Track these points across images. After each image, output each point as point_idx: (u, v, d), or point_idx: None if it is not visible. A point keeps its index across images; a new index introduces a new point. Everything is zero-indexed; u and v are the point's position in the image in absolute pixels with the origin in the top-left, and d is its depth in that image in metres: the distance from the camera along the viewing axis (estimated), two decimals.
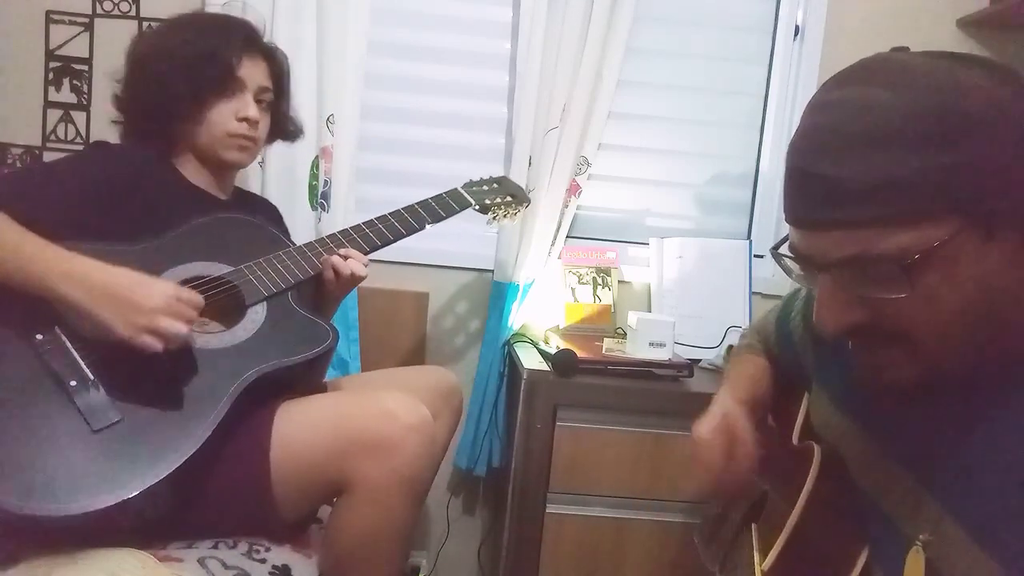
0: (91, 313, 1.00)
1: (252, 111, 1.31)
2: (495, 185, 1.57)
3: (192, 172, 1.34)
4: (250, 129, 1.32)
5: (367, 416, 1.11)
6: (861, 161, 0.61)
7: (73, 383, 1.02)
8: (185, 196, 1.31)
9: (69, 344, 1.05)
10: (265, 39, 1.39)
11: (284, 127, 1.46)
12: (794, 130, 0.69)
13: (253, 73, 1.32)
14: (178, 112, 1.28)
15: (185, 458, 1.00)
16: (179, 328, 1.02)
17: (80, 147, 1.79)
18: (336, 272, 1.30)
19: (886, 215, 0.61)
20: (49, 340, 1.05)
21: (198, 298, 1.08)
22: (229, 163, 1.34)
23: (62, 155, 1.43)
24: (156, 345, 1.00)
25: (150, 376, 1.05)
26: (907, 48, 0.67)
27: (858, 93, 0.63)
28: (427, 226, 1.41)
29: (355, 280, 1.32)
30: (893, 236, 0.61)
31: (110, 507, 0.94)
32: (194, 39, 1.27)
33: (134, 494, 0.96)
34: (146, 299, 1.01)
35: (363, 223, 1.38)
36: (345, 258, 1.31)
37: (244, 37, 1.32)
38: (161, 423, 1.03)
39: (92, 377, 1.03)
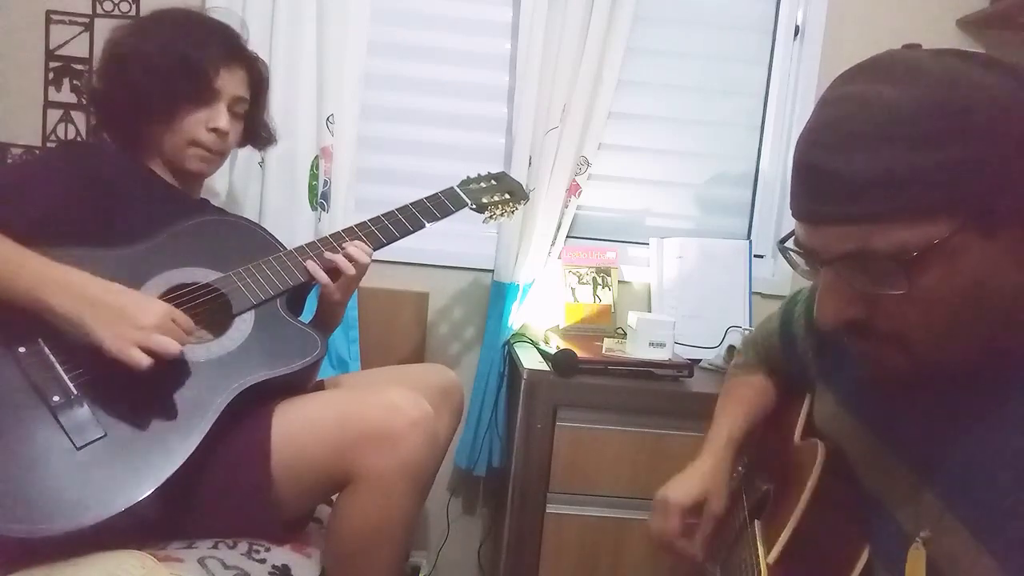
0: (83, 326, 0.99)
1: (223, 122, 1.30)
2: (492, 182, 1.55)
3: (162, 171, 1.33)
4: (218, 140, 1.31)
5: (372, 410, 1.11)
6: (864, 156, 0.61)
7: (56, 399, 1.00)
8: (161, 193, 1.30)
9: (53, 358, 1.03)
10: (247, 43, 1.37)
11: (257, 134, 1.46)
12: (794, 130, 0.70)
13: (229, 83, 1.30)
14: (149, 115, 1.28)
15: (170, 473, 0.99)
16: (173, 347, 1.01)
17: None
18: (337, 269, 1.28)
19: (887, 211, 0.61)
20: (32, 353, 1.03)
21: (191, 323, 1.08)
22: (191, 172, 1.34)
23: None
24: (145, 361, 0.98)
25: (135, 389, 1.03)
26: (919, 45, 0.67)
27: (864, 89, 0.63)
28: (422, 227, 1.39)
29: (359, 270, 1.29)
30: (893, 232, 0.61)
31: (96, 525, 0.93)
32: (173, 44, 1.25)
33: (117, 512, 0.94)
34: (142, 315, 1.00)
35: (356, 225, 1.35)
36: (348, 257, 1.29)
37: (224, 46, 1.30)
38: (146, 438, 1.01)
39: (76, 393, 1.01)
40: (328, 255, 1.29)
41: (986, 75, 0.61)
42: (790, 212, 0.71)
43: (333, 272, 1.29)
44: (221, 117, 1.30)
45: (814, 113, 0.67)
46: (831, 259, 0.66)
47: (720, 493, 1.00)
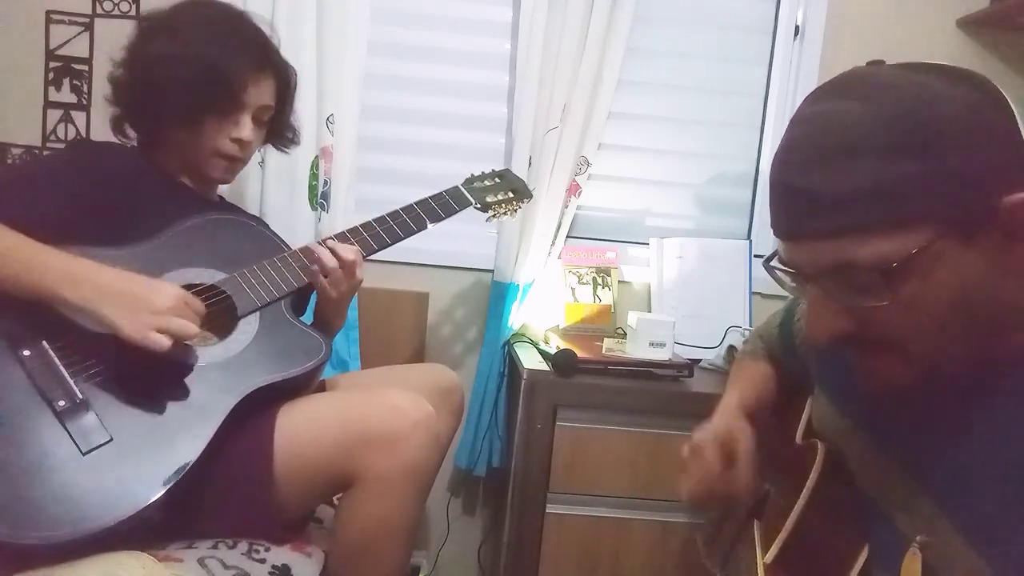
0: (99, 315, 0.99)
1: (246, 133, 1.27)
2: (497, 180, 1.54)
3: (178, 172, 1.31)
4: (241, 150, 1.29)
5: (374, 411, 1.12)
6: (836, 172, 0.62)
7: (62, 403, 0.99)
8: (173, 193, 1.29)
9: (57, 360, 1.02)
10: (278, 49, 1.33)
11: (282, 136, 1.43)
12: None
13: (257, 94, 1.27)
14: (172, 121, 1.25)
15: (177, 479, 0.99)
16: (191, 329, 1.02)
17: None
18: (324, 270, 1.25)
19: (863, 224, 0.62)
20: (36, 356, 1.02)
21: (202, 306, 1.08)
22: (212, 180, 1.33)
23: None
24: (166, 343, 0.99)
25: (141, 393, 1.03)
26: (882, 62, 0.69)
27: (832, 107, 0.65)
28: (427, 227, 1.38)
29: (349, 271, 1.26)
30: (871, 244, 0.62)
31: (103, 530, 0.93)
32: (204, 52, 1.20)
33: (126, 517, 0.94)
34: (157, 299, 1.01)
35: (360, 225, 1.34)
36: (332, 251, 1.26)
37: (255, 55, 1.26)
38: (152, 442, 1.01)
39: (81, 396, 1.00)
40: (317, 252, 1.26)
41: (949, 85, 0.62)
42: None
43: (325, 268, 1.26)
44: (244, 128, 1.27)
45: (785, 133, 0.69)
46: (815, 275, 0.67)
47: (744, 429, 0.97)
